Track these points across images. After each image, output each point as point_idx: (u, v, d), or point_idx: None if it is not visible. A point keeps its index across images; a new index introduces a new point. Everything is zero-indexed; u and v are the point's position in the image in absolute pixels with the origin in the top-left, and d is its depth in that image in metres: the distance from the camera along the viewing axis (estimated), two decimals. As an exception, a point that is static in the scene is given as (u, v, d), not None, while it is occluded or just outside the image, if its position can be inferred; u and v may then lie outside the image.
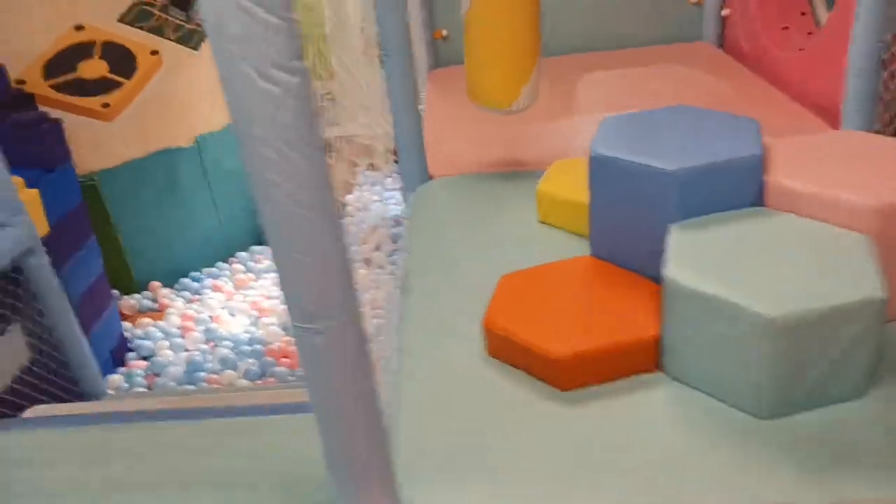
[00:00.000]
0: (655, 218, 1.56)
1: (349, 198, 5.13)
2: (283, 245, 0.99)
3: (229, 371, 3.29)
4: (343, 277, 1.02)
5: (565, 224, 2.09)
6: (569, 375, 1.44)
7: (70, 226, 3.07)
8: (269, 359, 3.37)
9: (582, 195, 1.81)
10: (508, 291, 1.67)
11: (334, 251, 0.99)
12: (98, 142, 3.75)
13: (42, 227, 2.71)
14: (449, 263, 2.02)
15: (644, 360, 1.47)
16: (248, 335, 3.63)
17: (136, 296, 4.13)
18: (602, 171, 1.67)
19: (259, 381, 3.21)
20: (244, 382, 3.21)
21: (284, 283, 1.03)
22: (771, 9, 3.11)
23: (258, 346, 3.48)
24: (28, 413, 2.35)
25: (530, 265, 1.77)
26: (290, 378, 3.20)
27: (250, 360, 3.36)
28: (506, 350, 1.55)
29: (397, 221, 4.55)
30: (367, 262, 4.25)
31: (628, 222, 1.67)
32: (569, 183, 2.09)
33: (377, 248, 4.39)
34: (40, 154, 2.90)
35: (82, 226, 3.22)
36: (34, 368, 2.67)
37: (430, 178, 2.67)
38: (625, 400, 1.41)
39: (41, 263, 2.54)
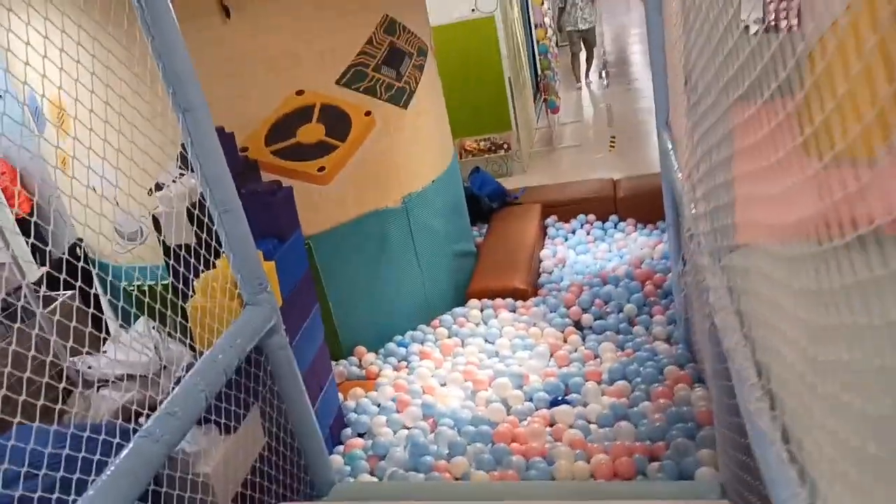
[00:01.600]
0: None
1: None
2: None
3: (458, 457, 2.98)
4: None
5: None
6: None
7: (300, 295, 2.95)
8: (501, 445, 3.04)
9: None
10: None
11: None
12: (313, 206, 3.69)
13: (279, 300, 2.57)
14: None
15: None
16: (468, 412, 3.33)
17: (343, 362, 4.01)
18: None
19: (496, 473, 2.86)
20: (481, 474, 2.87)
21: None
22: None
23: (483, 427, 3.16)
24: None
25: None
26: (530, 472, 2.82)
27: (479, 445, 3.04)
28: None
29: None
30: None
31: None
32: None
33: None
34: (276, 224, 2.81)
35: (309, 293, 3.11)
36: (269, 455, 2.50)
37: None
38: None
39: (281, 342, 2.38)
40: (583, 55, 10.13)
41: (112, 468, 1.60)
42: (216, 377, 1.98)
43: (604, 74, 10.32)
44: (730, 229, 1.63)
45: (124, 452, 1.65)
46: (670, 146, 3.07)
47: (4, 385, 1.56)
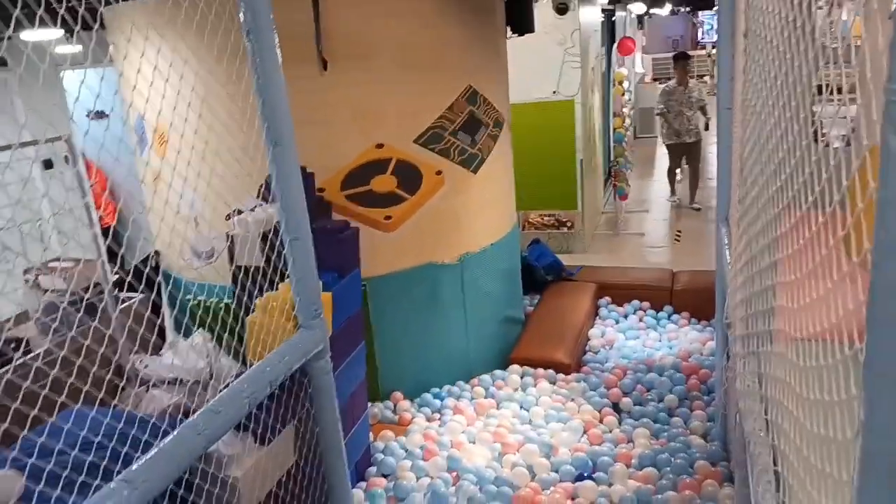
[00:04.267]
0: None
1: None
2: None
3: (475, 512, 3.02)
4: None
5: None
6: None
7: (349, 329, 3.10)
8: (518, 507, 3.06)
9: None
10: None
11: None
12: (375, 250, 3.89)
13: (329, 329, 2.72)
14: None
15: None
16: (492, 471, 3.36)
17: (379, 404, 4.11)
18: None
19: (508, 533, 2.88)
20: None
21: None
22: None
23: (504, 489, 3.18)
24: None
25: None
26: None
27: (497, 504, 3.07)
28: None
29: None
30: None
31: None
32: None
33: None
34: (338, 260, 3.00)
35: (358, 330, 3.26)
36: (296, 473, 2.61)
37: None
38: None
39: (325, 367, 2.51)
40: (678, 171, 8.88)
41: (156, 449, 1.75)
42: (261, 387, 2.13)
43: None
44: (762, 317, 1.70)
45: (169, 438, 1.80)
46: (726, 241, 3.14)
47: (74, 373, 1.74)
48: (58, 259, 3.75)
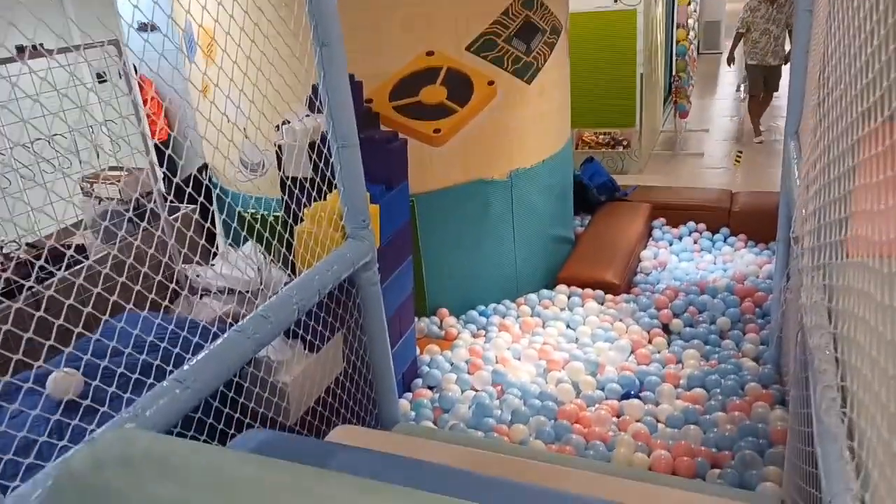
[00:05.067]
0: None
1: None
2: None
3: (519, 424, 3.04)
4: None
5: None
6: None
7: (397, 243, 3.08)
8: (563, 422, 3.06)
9: None
10: None
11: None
12: (423, 165, 3.81)
13: (377, 241, 2.70)
14: None
15: None
16: (536, 387, 3.37)
17: (426, 319, 4.13)
18: None
19: (553, 446, 2.90)
20: (539, 445, 2.92)
21: None
22: None
23: (549, 403, 3.19)
24: (335, 435, 2.27)
25: None
26: (588, 452, 2.85)
27: (542, 418, 3.08)
28: None
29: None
30: None
31: None
32: None
33: None
34: (386, 171, 2.94)
35: (406, 244, 3.23)
36: (344, 381, 2.65)
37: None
38: None
39: (373, 279, 2.51)
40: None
41: (206, 351, 1.77)
42: (310, 295, 2.13)
43: (742, 88, 9.72)
44: (836, 227, 1.58)
45: (219, 340, 1.82)
46: (794, 156, 2.95)
47: (125, 274, 1.76)
48: (114, 168, 3.80)
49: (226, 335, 1.84)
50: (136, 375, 1.76)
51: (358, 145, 2.35)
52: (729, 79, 11.02)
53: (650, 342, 3.87)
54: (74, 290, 1.55)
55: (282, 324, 2.03)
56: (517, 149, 4.18)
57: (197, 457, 1.29)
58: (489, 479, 1.68)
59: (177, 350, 1.86)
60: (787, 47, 7.21)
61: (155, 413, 1.57)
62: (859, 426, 1.17)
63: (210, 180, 4.43)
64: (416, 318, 3.96)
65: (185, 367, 1.72)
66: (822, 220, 1.61)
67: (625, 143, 7.18)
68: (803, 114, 2.98)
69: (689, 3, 7.81)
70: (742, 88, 9.82)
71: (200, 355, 1.76)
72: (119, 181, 3.76)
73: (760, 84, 7.64)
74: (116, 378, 1.75)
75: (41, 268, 1.81)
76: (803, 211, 1.99)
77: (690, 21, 8.07)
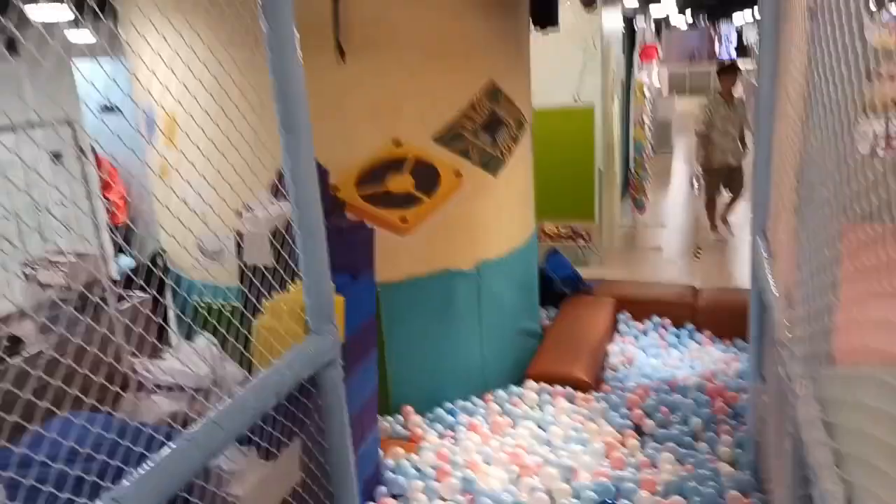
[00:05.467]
0: None
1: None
2: None
3: (492, 539, 2.81)
4: None
5: None
6: None
7: (361, 337, 2.91)
8: (538, 535, 2.85)
9: None
10: None
11: None
12: (389, 254, 3.69)
13: (341, 336, 2.53)
14: None
15: None
16: (509, 496, 3.15)
17: (389, 418, 3.91)
18: None
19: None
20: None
21: None
22: None
23: (523, 514, 2.97)
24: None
25: None
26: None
27: (516, 532, 2.86)
28: None
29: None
30: None
31: None
32: None
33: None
34: (353, 261, 2.81)
35: (371, 338, 3.06)
36: (301, 493, 2.41)
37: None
38: None
39: (336, 378, 2.32)
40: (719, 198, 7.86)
41: (152, 464, 1.55)
42: (267, 397, 1.94)
43: (696, 185, 9.97)
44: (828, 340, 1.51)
45: (166, 451, 1.60)
46: (765, 255, 2.94)
47: (62, 375, 1.56)
48: (60, 253, 3.57)
49: (173, 445, 1.63)
50: (66, 495, 1.53)
51: (324, 235, 2.23)
52: (681, 178, 11.41)
53: (623, 444, 3.71)
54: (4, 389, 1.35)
55: (236, 431, 1.82)
56: (484, 239, 4.11)
57: None
58: None
59: (118, 461, 1.64)
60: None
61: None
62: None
63: (164, 267, 4.22)
64: (380, 417, 3.74)
65: (125, 484, 1.49)
66: (813, 328, 1.53)
67: (585, 236, 7.24)
68: (770, 211, 3.00)
69: (644, 102, 8.13)
70: (696, 186, 10.14)
71: (143, 471, 1.53)
72: (68, 267, 3.53)
73: (717, 187, 7.67)
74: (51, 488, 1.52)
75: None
76: (784, 319, 1.93)
77: (646, 118, 8.38)
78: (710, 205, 7.92)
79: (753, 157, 3.18)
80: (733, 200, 7.80)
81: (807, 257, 1.77)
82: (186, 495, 1.90)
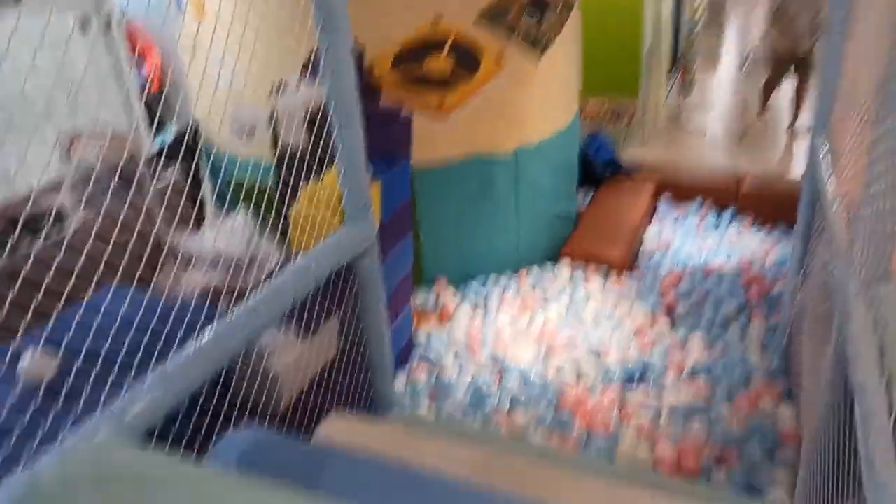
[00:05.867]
0: None
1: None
2: None
3: (519, 413, 2.94)
4: None
5: None
6: None
7: (397, 221, 2.92)
8: (565, 411, 2.97)
9: None
10: None
11: None
12: (425, 138, 3.61)
13: (377, 223, 2.54)
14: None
15: None
16: (536, 372, 3.26)
17: (423, 291, 4.00)
18: None
19: (555, 436, 2.80)
20: (540, 435, 2.82)
21: None
22: None
23: (550, 390, 3.09)
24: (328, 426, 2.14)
25: None
26: (590, 447, 2.74)
27: (542, 406, 2.98)
28: None
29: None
30: None
31: None
32: None
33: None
34: (388, 148, 2.76)
35: (406, 222, 3.07)
36: (338, 365, 2.52)
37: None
38: None
39: (373, 265, 2.35)
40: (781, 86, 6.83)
41: (192, 348, 1.62)
42: (306, 284, 1.98)
43: (745, 67, 9.30)
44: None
45: (206, 335, 1.67)
46: (824, 151, 2.80)
47: (109, 248, 1.60)
48: (94, 126, 3.58)
49: (215, 327, 1.70)
50: (120, 358, 1.62)
51: (360, 122, 2.17)
52: (730, 59, 10.76)
53: (653, 326, 3.76)
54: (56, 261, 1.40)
55: (275, 315, 1.88)
56: (524, 125, 3.99)
57: (176, 477, 1.18)
58: (481, 497, 1.56)
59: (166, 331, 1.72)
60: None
61: (134, 418, 1.43)
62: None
63: (198, 141, 4.22)
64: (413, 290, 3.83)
65: (170, 362, 1.57)
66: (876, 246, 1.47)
67: (629, 115, 6.97)
68: (836, 108, 2.81)
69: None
70: (745, 68, 9.50)
71: (188, 350, 1.61)
72: (102, 140, 3.55)
73: (783, 74, 6.83)
74: (100, 363, 1.61)
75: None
76: (844, 230, 1.85)
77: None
78: (769, 87, 7.16)
79: (825, 50, 2.92)
80: (803, 88, 6.78)
81: (880, 174, 1.67)
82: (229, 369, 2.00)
